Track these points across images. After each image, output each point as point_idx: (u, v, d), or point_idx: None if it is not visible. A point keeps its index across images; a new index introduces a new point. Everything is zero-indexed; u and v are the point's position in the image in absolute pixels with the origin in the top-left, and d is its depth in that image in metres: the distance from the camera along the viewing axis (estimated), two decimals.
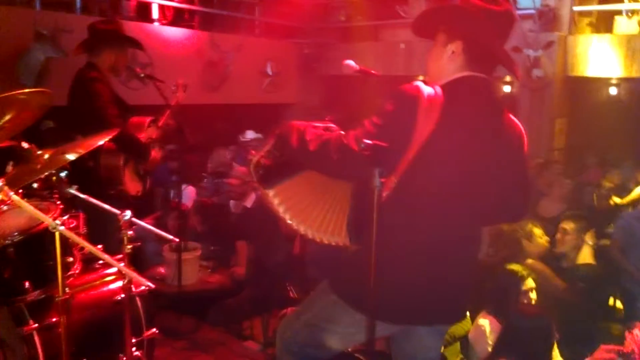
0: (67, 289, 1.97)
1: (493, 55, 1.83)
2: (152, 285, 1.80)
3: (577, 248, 4.02)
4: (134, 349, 2.49)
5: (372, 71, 2.64)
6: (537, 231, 3.94)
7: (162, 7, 6.98)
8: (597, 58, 6.14)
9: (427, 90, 1.72)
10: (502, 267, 3.14)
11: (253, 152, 2.10)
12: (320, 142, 1.79)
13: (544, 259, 3.95)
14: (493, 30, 1.79)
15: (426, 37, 1.97)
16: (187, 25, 7.25)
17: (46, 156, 2.15)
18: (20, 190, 2.24)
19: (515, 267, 3.05)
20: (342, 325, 1.94)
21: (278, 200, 1.97)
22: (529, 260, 3.72)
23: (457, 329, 3.08)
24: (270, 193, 1.97)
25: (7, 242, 2.17)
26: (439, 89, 1.74)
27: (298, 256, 4.22)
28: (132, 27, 3.68)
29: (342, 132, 1.85)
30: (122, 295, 2.57)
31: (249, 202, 4.98)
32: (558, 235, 4.09)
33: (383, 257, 1.56)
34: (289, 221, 1.99)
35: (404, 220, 1.76)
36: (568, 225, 4.04)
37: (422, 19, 1.94)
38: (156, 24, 6.80)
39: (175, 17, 7.20)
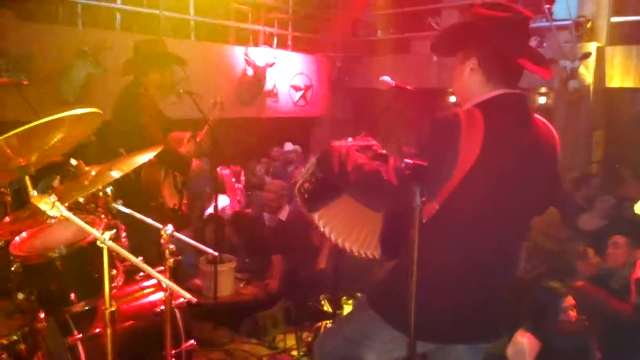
0: (112, 302, 2.02)
1: (514, 63, 1.81)
2: (194, 299, 1.84)
3: (629, 264, 3.90)
4: None
5: (408, 87, 2.66)
6: (591, 251, 3.83)
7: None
8: (636, 69, 6.01)
9: (467, 116, 1.71)
10: (540, 283, 3.08)
11: (297, 174, 2.16)
12: (360, 175, 1.81)
13: (594, 279, 3.85)
14: (504, 38, 1.77)
15: (449, 56, 1.99)
16: (222, 41, 7.40)
17: (93, 173, 2.23)
18: (67, 205, 2.33)
19: (554, 283, 3.00)
20: (380, 341, 1.95)
21: (323, 222, 2.03)
22: (579, 283, 3.61)
23: (494, 346, 3.04)
24: (316, 216, 2.02)
25: (54, 254, 2.25)
26: (477, 112, 1.73)
27: (331, 270, 4.23)
28: (169, 43, 3.77)
29: (384, 155, 1.88)
30: (163, 307, 2.63)
31: (283, 215, 5.02)
32: (609, 250, 3.97)
33: (422, 275, 1.56)
34: (334, 240, 2.04)
35: (444, 241, 1.76)
36: (620, 239, 3.92)
37: (439, 41, 1.95)
38: (193, 39, 6.96)
39: (210, 33, 7.37)
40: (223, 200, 5.33)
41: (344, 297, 4.55)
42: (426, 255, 1.53)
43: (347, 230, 2.05)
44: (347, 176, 1.83)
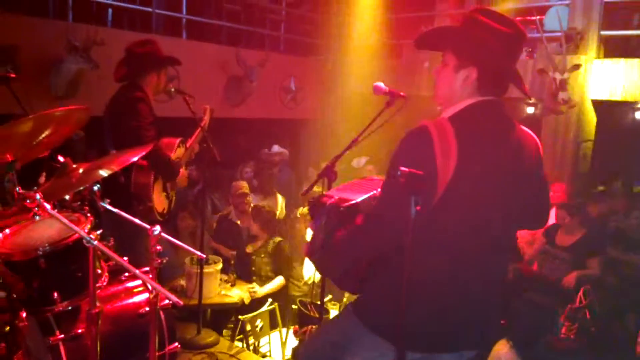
0: (97, 302, 1.99)
1: (506, 79, 1.81)
2: (180, 302, 1.80)
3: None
4: None
5: (401, 93, 2.65)
6: None
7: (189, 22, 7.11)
8: (624, 82, 6.08)
9: (436, 128, 1.68)
10: (528, 300, 3.04)
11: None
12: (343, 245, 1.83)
13: None
14: (507, 54, 1.76)
15: (430, 50, 1.94)
16: (213, 40, 7.36)
17: (81, 170, 2.19)
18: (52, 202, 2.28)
19: (542, 299, 2.96)
20: (364, 348, 1.93)
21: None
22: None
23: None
24: None
25: (38, 253, 2.21)
26: (447, 124, 1.70)
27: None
28: (160, 41, 3.71)
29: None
30: (147, 309, 2.60)
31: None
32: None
33: (407, 285, 1.54)
34: None
35: (428, 252, 1.73)
36: None
37: (430, 37, 1.88)
38: (184, 38, 6.92)
39: (202, 32, 7.33)
40: None
41: (330, 302, 4.54)
42: (412, 264, 1.52)
43: None
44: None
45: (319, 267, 2.03)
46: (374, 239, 1.77)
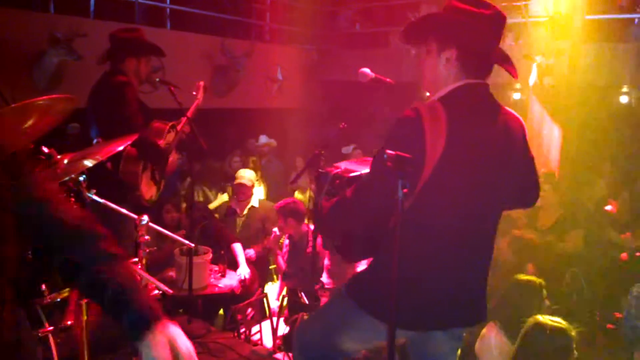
0: None
1: (488, 59, 1.84)
2: (170, 291, 1.81)
3: None
4: None
5: (387, 79, 2.66)
6: None
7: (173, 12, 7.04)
8: (609, 66, 6.13)
9: (428, 109, 1.71)
10: (515, 277, 3.07)
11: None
12: (332, 209, 1.92)
13: None
14: (486, 35, 1.79)
15: (417, 44, 1.98)
16: (198, 30, 7.30)
17: (65, 161, 2.16)
18: None
19: (526, 276, 2.99)
20: (359, 329, 1.96)
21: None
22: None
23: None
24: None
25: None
26: (438, 105, 1.73)
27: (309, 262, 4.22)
28: (144, 32, 3.67)
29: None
30: None
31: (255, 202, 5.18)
32: None
33: (399, 265, 1.56)
34: None
35: (418, 232, 1.77)
36: None
37: (412, 28, 1.92)
38: (168, 28, 6.86)
39: (187, 22, 7.27)
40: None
41: (320, 289, 4.55)
42: (402, 245, 1.53)
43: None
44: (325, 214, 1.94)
45: (317, 228, 2.13)
46: (357, 210, 1.85)
